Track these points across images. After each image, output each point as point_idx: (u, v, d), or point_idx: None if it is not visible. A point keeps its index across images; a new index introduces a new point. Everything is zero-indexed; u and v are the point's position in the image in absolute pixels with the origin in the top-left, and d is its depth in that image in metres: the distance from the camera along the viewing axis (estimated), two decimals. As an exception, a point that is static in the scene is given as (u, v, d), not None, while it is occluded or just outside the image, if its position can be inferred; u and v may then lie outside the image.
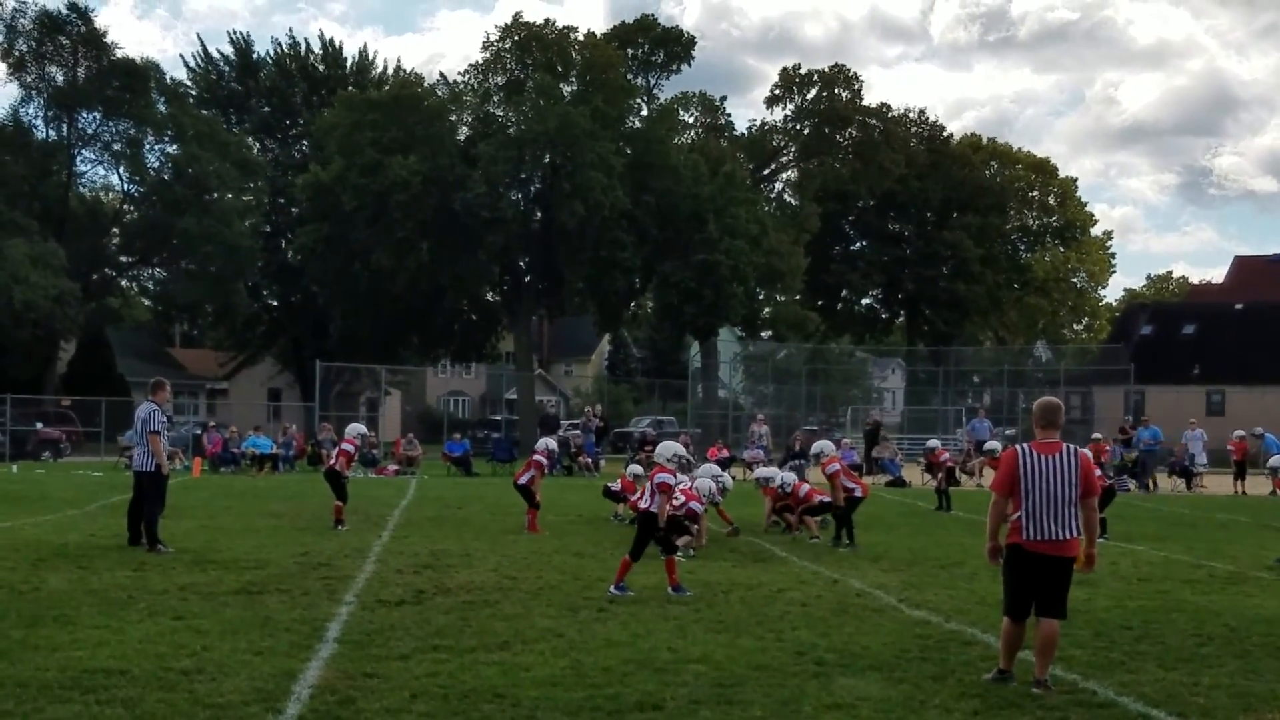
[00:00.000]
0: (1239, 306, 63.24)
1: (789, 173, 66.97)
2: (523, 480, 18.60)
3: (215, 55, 59.13)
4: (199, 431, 38.88)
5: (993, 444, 19.80)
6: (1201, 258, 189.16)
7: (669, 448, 12.98)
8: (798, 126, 64.96)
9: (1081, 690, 8.11)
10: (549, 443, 20.50)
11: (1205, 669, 8.90)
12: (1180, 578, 13.99)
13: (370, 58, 61.92)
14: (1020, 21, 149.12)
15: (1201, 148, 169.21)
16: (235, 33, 73.64)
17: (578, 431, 38.65)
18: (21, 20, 47.70)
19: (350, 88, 54.08)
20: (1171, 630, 10.49)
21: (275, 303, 61.86)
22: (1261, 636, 10.24)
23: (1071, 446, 8.25)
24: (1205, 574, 14.31)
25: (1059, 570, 8.10)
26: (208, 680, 7.88)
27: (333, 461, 18.44)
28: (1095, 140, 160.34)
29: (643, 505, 12.38)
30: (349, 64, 60.07)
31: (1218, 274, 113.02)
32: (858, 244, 72.47)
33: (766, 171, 65.67)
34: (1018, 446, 8.27)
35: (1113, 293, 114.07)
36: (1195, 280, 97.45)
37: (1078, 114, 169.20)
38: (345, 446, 18.35)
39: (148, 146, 51.56)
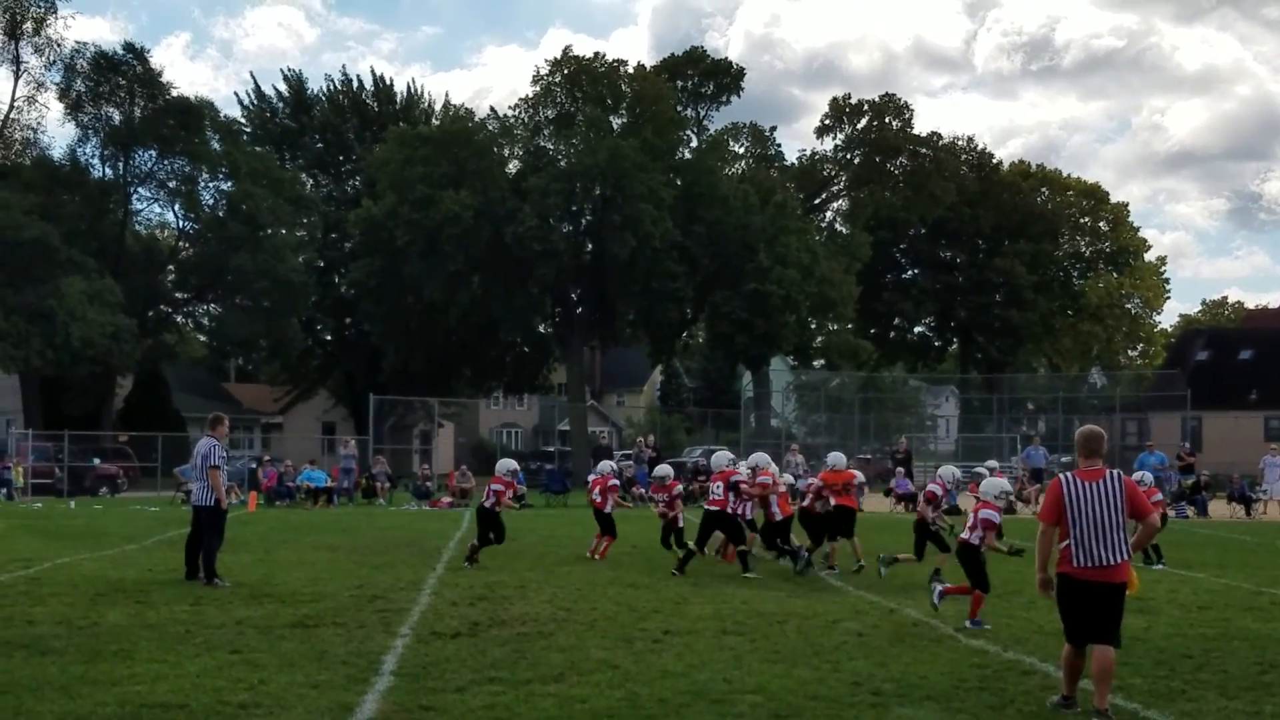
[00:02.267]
0: (1296, 330, 62.36)
1: (840, 202, 66.97)
2: (607, 509, 18.63)
3: (269, 93, 59.99)
4: (254, 466, 39.19)
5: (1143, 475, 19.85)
6: (1255, 283, 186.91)
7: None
8: (848, 156, 64.98)
9: (1142, 719, 8.00)
10: (609, 465, 20.35)
11: (1268, 697, 8.76)
12: (1241, 605, 13.78)
13: (420, 93, 62.59)
14: (1064, 50, 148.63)
15: (1251, 172, 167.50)
16: (289, 70, 74.65)
17: (630, 463, 38.63)
18: (80, 61, 48.54)
19: (401, 123, 54.60)
20: (1233, 658, 10.33)
21: (329, 337, 62.37)
22: (1327, 665, 10.06)
23: (1115, 472, 8.25)
24: (1267, 600, 14.09)
25: (1110, 596, 8.06)
26: (265, 714, 7.93)
27: (487, 501, 17.59)
28: (1143, 166, 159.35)
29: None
30: (399, 100, 60.68)
31: (1273, 299, 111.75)
32: (909, 272, 72.23)
33: (817, 201, 65.68)
34: (1061, 475, 8.29)
35: (1168, 318, 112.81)
36: (1251, 305, 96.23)
37: (1125, 140, 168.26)
38: (496, 487, 17.64)
39: (202, 184, 52.18)
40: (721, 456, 18.09)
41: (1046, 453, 39.89)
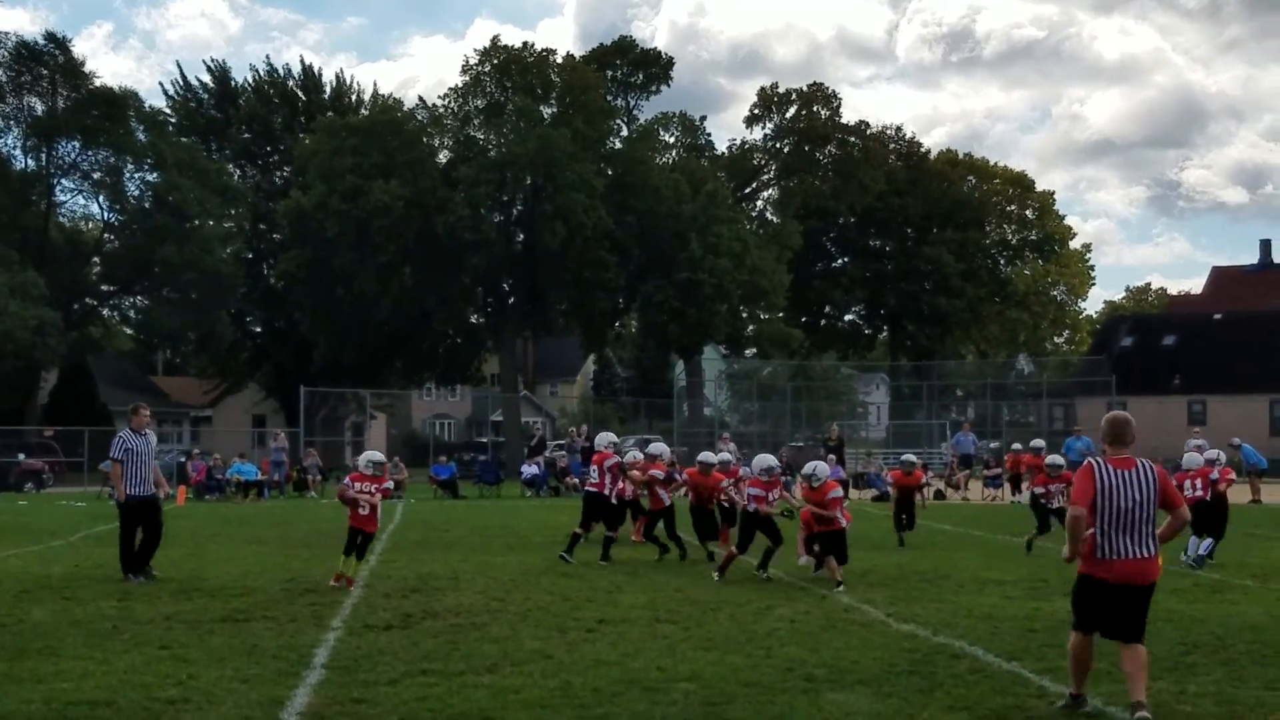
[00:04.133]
0: (1218, 316, 63.52)
1: (770, 191, 67.32)
2: (627, 495, 17.61)
3: (194, 83, 59.15)
4: (183, 459, 38.74)
5: (1055, 458, 19.73)
6: (1175, 269, 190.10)
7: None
8: (777, 145, 65.32)
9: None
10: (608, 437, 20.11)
11: (1192, 677, 8.92)
12: (1165, 587, 13.94)
13: (349, 83, 62.04)
14: (985, 40, 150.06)
15: (1169, 161, 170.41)
16: (212, 60, 73.58)
17: (563, 453, 38.64)
18: (0, 51, 47.65)
19: (330, 113, 54.10)
20: (1158, 639, 10.50)
21: (258, 329, 61.74)
22: (1247, 644, 10.28)
23: (1145, 461, 7.86)
24: (1190, 583, 14.36)
25: (1141, 599, 7.75)
26: (194, 710, 7.84)
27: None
28: (1065, 155, 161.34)
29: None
30: (328, 90, 60.10)
31: (1194, 284, 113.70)
32: (840, 260, 72.80)
33: (748, 190, 65.94)
34: (1093, 460, 7.86)
35: (1092, 305, 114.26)
36: (1173, 291, 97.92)
37: (1046, 129, 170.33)
38: (655, 473, 17.52)
39: (127, 175, 51.52)
40: (603, 438, 17.57)
41: (975, 439, 40.35)
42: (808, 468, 14.87)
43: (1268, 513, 26.85)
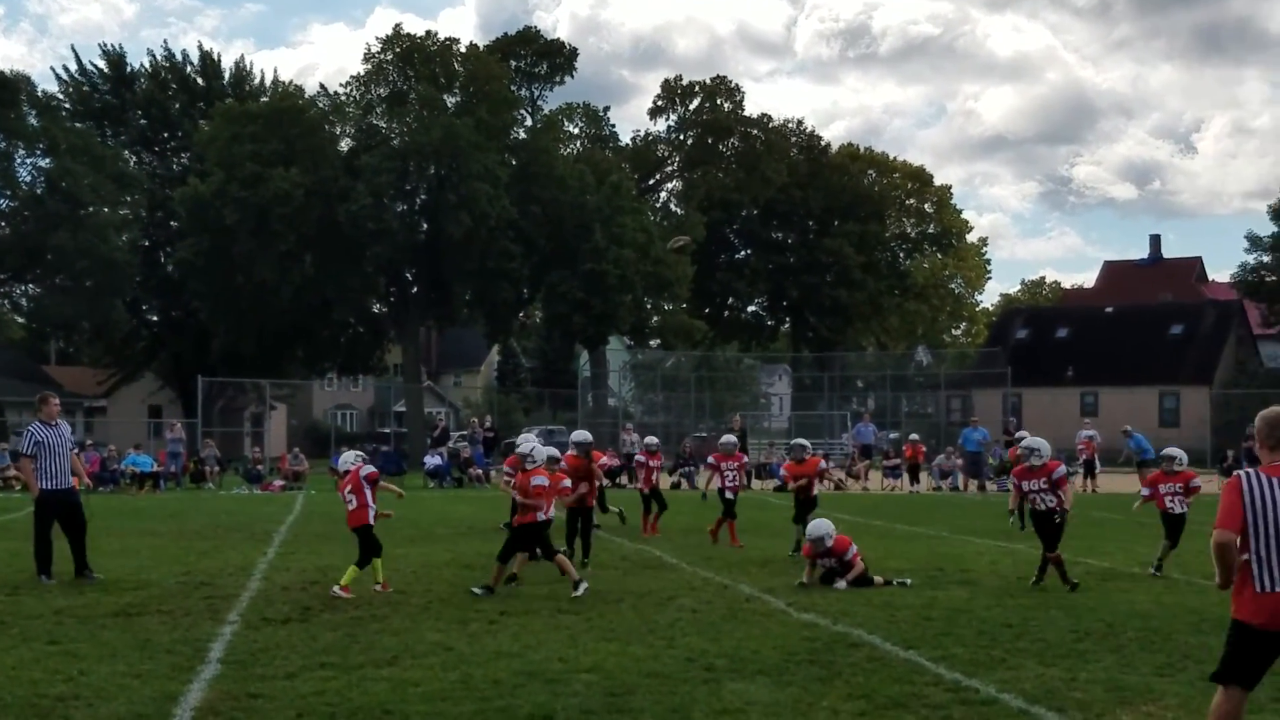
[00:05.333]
0: (1109, 309, 65.07)
1: (674, 183, 67.59)
2: (640, 486, 19.46)
3: (89, 68, 57.75)
4: (76, 450, 37.86)
5: (1172, 450, 14.30)
6: (1068, 263, 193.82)
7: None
8: (681, 137, 65.57)
9: (965, 688, 8.25)
10: (649, 440, 21.20)
11: (1083, 664, 9.12)
12: (1058, 576, 14.30)
13: (248, 69, 61.00)
14: (882, 36, 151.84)
15: (1061, 157, 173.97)
16: (108, 45, 71.83)
17: (466, 443, 38.47)
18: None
19: (228, 100, 53.18)
20: (1050, 627, 10.74)
21: (155, 318, 60.55)
22: (1136, 631, 10.53)
23: None
24: (1082, 571, 14.64)
25: None
26: (84, 706, 7.68)
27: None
28: (959, 150, 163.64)
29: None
30: (227, 76, 59.06)
31: (1087, 278, 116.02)
32: (743, 253, 73.25)
33: (652, 181, 66.13)
34: (1243, 472, 6.30)
35: (989, 298, 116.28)
36: (1067, 285, 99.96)
37: (942, 125, 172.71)
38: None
39: (19, 160, 50.25)
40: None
41: (875, 429, 40.86)
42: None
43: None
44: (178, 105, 57.28)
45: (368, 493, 13.08)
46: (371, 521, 13.06)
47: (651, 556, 16.32)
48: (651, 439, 21.53)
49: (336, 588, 12.38)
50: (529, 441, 13.90)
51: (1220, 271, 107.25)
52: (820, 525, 13.66)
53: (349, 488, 13.17)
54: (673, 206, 66.29)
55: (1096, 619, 11.14)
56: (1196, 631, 10.44)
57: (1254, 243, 56.95)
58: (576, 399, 53.99)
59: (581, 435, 16.72)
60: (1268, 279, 56.58)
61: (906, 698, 7.97)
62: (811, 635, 10.30)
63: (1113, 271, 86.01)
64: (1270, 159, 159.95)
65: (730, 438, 19.46)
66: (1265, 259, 56.83)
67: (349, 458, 13.67)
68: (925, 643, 9.94)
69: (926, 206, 75.88)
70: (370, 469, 13.37)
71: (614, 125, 72.11)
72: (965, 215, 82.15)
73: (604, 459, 19.47)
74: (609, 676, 8.59)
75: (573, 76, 60.37)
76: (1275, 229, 56.63)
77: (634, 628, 10.66)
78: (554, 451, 14.33)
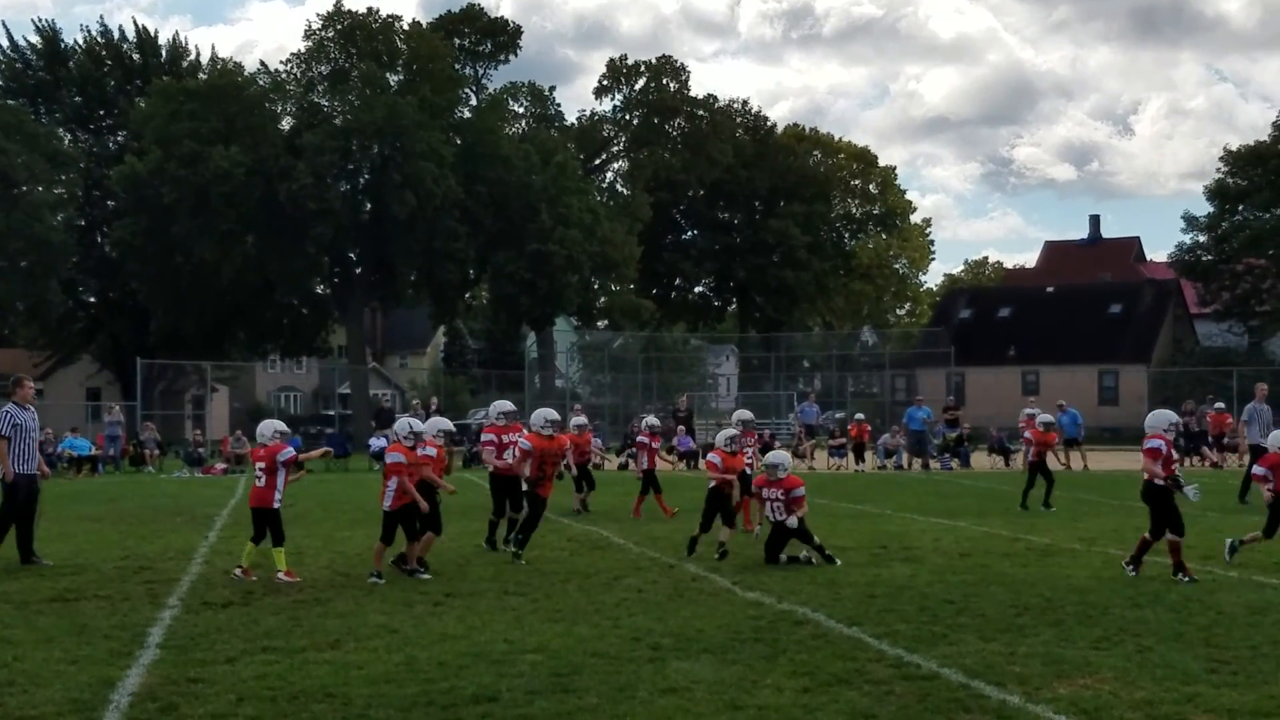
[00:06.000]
0: (1050, 289, 65.70)
1: (620, 163, 67.42)
2: (646, 466, 19.47)
3: (21, 43, 56.75)
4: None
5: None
6: (1009, 244, 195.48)
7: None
8: (627, 117, 65.44)
9: (907, 664, 8.32)
10: (650, 420, 21.41)
11: (1022, 639, 9.21)
12: (999, 551, 14.47)
13: (185, 46, 60.15)
14: (825, 18, 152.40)
15: (1002, 138, 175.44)
16: (41, 20, 70.64)
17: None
18: None
19: (166, 77, 52.44)
20: (991, 602, 10.84)
21: (92, 299, 59.70)
22: (1074, 605, 10.65)
23: None
24: (1023, 547, 14.81)
25: None
26: (19, 693, 7.57)
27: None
28: (902, 131, 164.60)
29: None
30: (164, 52, 58.21)
31: (1028, 258, 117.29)
32: (689, 233, 73.36)
33: (598, 161, 65.98)
34: None
35: (933, 278, 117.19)
36: (1009, 265, 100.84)
37: (885, 106, 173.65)
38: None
39: (-50, 139, 49.30)
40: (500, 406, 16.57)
41: (819, 410, 41.05)
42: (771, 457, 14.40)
43: (1095, 479, 27.85)
44: (113, 82, 56.42)
45: (280, 475, 12.37)
46: (276, 506, 12.35)
47: (598, 537, 16.32)
48: (653, 419, 21.82)
49: (280, 574, 12.22)
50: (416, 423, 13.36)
51: (1158, 251, 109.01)
52: (779, 455, 14.36)
53: (261, 464, 12.48)
54: (619, 187, 66.18)
55: (1036, 594, 11.25)
56: (1133, 605, 10.58)
57: (1190, 223, 57.58)
58: (524, 380, 53.83)
59: (550, 413, 14.88)
60: (1204, 259, 57.25)
61: (850, 674, 8.02)
62: (756, 614, 10.33)
63: (1053, 252, 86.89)
64: (1205, 140, 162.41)
65: (653, 419, 21.35)
66: (1201, 239, 57.48)
67: (267, 429, 12.75)
68: (869, 620, 10.00)
69: (871, 187, 76.27)
70: (290, 452, 12.47)
71: (559, 105, 72.05)
72: (909, 196, 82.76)
73: (594, 443, 20.29)
74: (554, 657, 8.58)
75: (517, 55, 60.20)
76: (1211, 210, 57.31)
77: (580, 608, 10.65)
78: (446, 424, 13.97)
